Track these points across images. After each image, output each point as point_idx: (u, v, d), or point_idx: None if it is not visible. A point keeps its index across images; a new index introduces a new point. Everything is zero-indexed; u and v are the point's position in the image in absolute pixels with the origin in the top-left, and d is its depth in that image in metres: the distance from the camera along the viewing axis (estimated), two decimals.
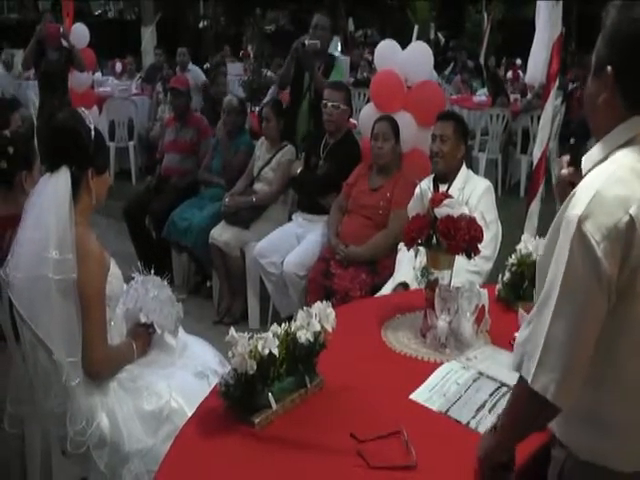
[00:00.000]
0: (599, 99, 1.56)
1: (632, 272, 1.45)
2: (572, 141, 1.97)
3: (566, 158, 1.96)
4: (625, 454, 1.58)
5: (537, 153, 4.63)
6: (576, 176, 1.92)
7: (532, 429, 1.67)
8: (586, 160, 1.62)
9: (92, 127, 2.47)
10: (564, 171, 1.92)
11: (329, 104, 4.61)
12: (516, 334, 2.48)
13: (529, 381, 1.51)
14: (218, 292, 5.27)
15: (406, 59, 4.90)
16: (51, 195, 2.36)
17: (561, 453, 1.67)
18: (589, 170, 1.57)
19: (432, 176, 3.85)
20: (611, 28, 1.54)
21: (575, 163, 1.94)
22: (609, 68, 1.52)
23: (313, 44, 5.03)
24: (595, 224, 1.43)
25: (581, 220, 1.44)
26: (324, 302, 2.22)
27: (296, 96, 5.34)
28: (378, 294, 3.78)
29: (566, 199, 1.53)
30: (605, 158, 1.56)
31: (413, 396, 2.17)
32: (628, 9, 1.51)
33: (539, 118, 4.87)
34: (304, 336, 2.10)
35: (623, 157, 1.52)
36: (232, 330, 2.02)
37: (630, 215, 1.43)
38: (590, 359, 1.51)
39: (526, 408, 1.60)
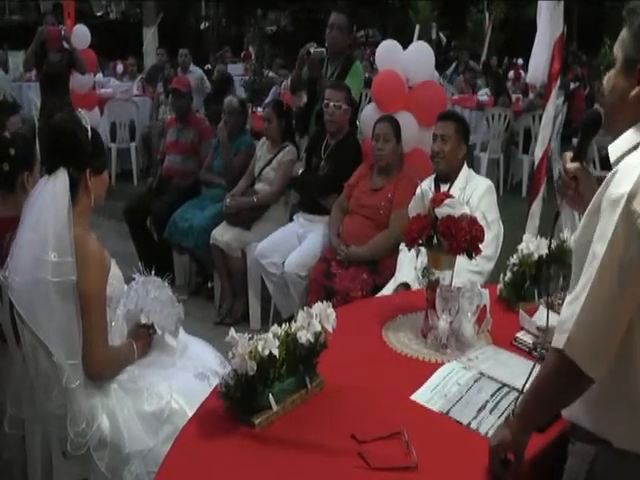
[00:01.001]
0: (630, 94, 1.63)
1: None
2: (576, 138, 1.99)
3: (569, 154, 1.97)
4: None
5: (539, 153, 4.62)
6: (580, 171, 1.93)
7: (555, 410, 1.73)
8: (614, 148, 1.67)
9: (89, 128, 2.47)
10: (569, 165, 1.93)
11: (331, 104, 4.60)
12: (517, 334, 2.52)
13: (562, 347, 1.55)
14: (219, 293, 5.27)
15: (407, 59, 4.89)
16: (49, 197, 2.36)
17: (589, 449, 1.68)
18: (619, 157, 1.63)
19: (433, 176, 3.85)
20: None
21: (579, 158, 1.95)
22: None
23: (318, 52, 5.01)
24: None
25: (629, 198, 1.49)
26: (325, 302, 2.21)
27: (310, 98, 5.32)
28: (379, 294, 3.78)
29: (604, 180, 1.58)
30: (636, 146, 1.61)
31: (414, 397, 2.17)
32: None
33: (541, 118, 4.86)
34: (304, 336, 2.09)
35: None
36: (232, 331, 2.02)
37: None
38: (629, 339, 1.55)
39: (556, 382, 1.63)
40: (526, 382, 1.80)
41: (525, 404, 1.73)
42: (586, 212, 1.63)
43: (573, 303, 1.59)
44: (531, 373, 1.81)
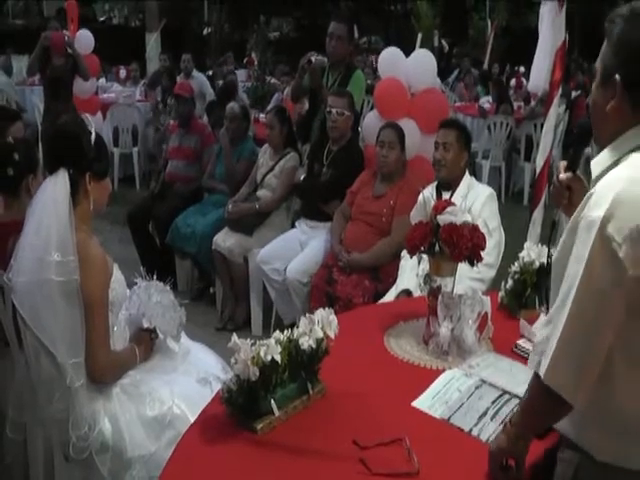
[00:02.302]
0: (607, 107, 1.60)
1: None
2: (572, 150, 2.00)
3: (563, 163, 1.98)
4: None
5: (540, 161, 4.64)
6: (574, 181, 1.94)
7: (545, 425, 1.72)
8: (595, 165, 1.64)
9: (93, 132, 2.48)
10: (562, 176, 1.94)
11: (333, 110, 4.62)
12: (518, 341, 2.52)
13: (542, 377, 1.54)
14: (221, 298, 5.28)
15: (409, 66, 4.90)
16: (50, 197, 2.37)
17: (574, 456, 1.68)
18: (599, 174, 1.61)
19: (435, 183, 3.85)
20: (619, 38, 1.57)
21: (572, 168, 1.95)
22: (617, 77, 1.56)
23: (320, 61, 5.02)
24: (617, 226, 1.46)
25: (603, 222, 1.47)
26: (327, 309, 2.22)
27: (312, 107, 5.34)
28: (381, 301, 3.78)
29: (581, 201, 1.56)
30: (616, 162, 1.58)
31: (415, 403, 2.17)
32: (636, 19, 1.55)
33: (542, 126, 4.87)
34: (306, 343, 2.10)
35: (639, 160, 1.55)
36: (235, 336, 2.03)
37: None
38: (609, 359, 1.54)
39: (540, 404, 1.63)
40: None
41: (518, 415, 1.73)
42: (565, 231, 1.61)
43: (548, 325, 1.58)
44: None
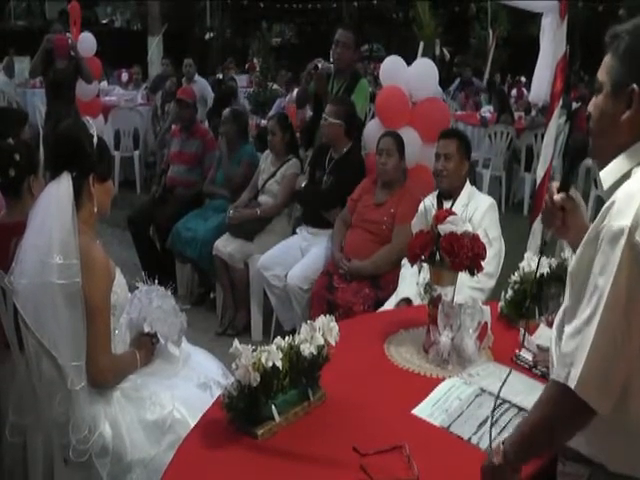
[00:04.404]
0: (622, 117, 1.61)
1: None
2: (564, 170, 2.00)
3: (555, 184, 1.98)
4: None
5: (541, 171, 4.65)
6: (567, 201, 1.94)
7: (561, 441, 1.68)
8: (606, 174, 1.65)
9: (95, 135, 2.50)
10: (557, 197, 1.94)
11: (324, 117, 4.65)
12: (518, 351, 2.53)
13: (574, 388, 1.52)
14: (221, 304, 5.28)
15: (411, 75, 4.93)
16: (53, 199, 2.38)
17: (584, 470, 1.67)
18: (612, 185, 1.61)
19: (436, 192, 3.87)
20: (631, 50, 1.60)
21: (565, 189, 1.96)
22: (635, 86, 1.58)
23: (326, 67, 5.04)
24: None
25: (631, 231, 1.47)
26: (327, 316, 2.23)
27: (316, 113, 5.36)
28: (381, 309, 3.79)
29: (601, 210, 1.56)
30: (629, 172, 1.59)
31: (415, 411, 2.18)
32: None
33: (543, 136, 4.89)
34: (308, 349, 2.11)
35: None
36: (236, 342, 2.04)
37: None
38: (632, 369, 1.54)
39: (564, 417, 1.60)
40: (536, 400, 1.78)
41: (521, 435, 1.69)
42: (582, 242, 1.60)
43: (576, 337, 1.56)
44: (506, 380, 1.86)
